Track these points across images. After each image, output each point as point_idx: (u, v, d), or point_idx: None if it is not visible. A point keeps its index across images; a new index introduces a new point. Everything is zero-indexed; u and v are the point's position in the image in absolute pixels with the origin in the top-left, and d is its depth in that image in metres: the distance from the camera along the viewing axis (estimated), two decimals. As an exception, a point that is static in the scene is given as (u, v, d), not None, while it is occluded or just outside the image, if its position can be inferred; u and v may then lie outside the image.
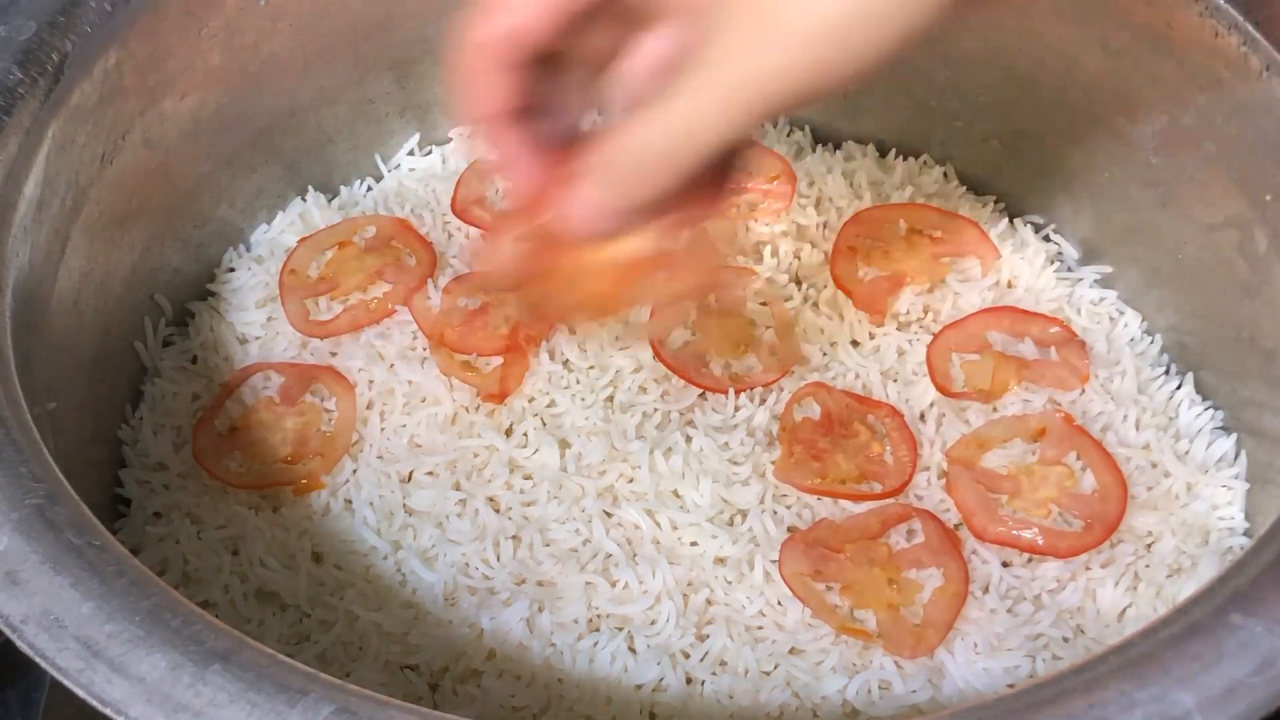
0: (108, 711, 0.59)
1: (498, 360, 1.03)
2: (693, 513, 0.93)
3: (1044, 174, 1.15)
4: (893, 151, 1.21)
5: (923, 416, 1.01)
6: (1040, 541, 0.92)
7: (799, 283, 1.10)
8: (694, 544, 0.92)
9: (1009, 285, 1.11)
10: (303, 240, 1.13)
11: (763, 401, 1.01)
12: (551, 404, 1.01)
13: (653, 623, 0.89)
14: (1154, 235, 1.06)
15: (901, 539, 0.93)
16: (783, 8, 0.54)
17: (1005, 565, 0.92)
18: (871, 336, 1.07)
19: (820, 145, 1.23)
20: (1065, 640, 0.88)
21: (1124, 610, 0.91)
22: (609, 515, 0.94)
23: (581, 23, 0.65)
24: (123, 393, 1.04)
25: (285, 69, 1.11)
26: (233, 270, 1.14)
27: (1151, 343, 1.08)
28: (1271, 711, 0.60)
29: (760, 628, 0.89)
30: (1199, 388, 1.04)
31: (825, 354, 1.06)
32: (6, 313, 0.80)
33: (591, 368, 1.03)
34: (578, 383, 1.02)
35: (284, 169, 1.17)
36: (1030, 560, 0.93)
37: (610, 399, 1.01)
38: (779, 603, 0.89)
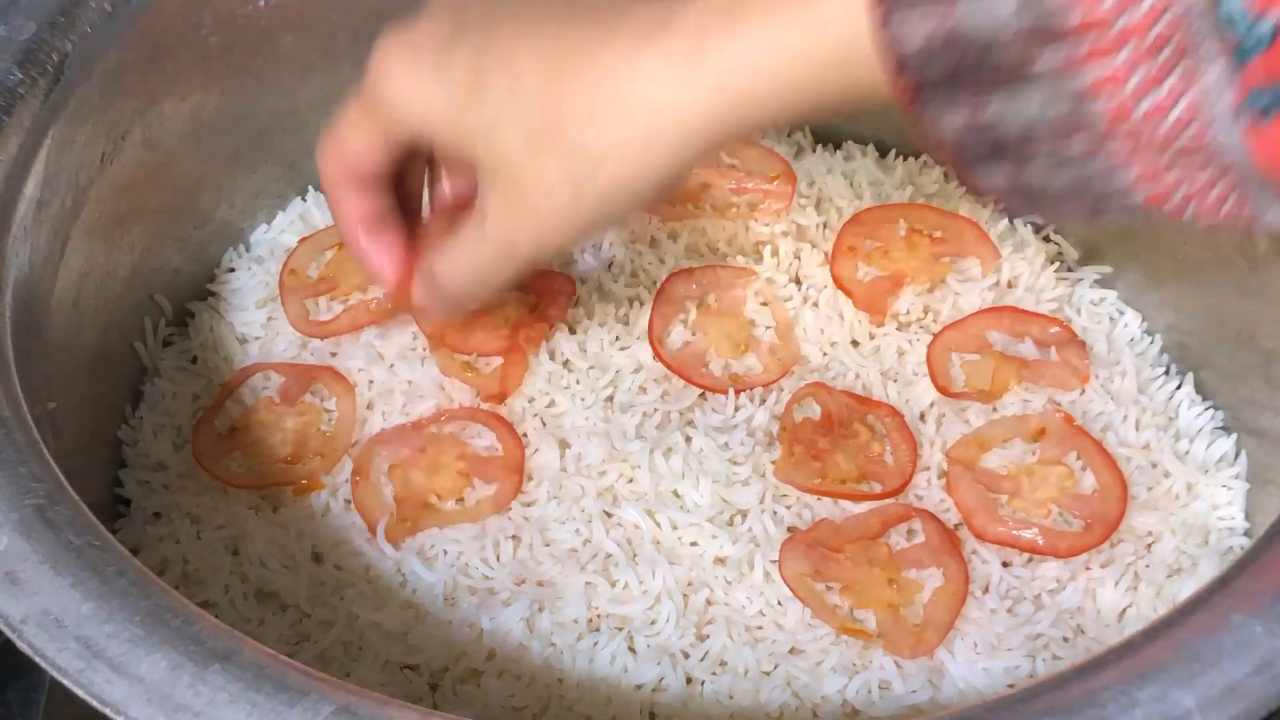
0: (108, 711, 0.59)
1: (498, 360, 1.03)
2: (693, 513, 0.93)
3: (1044, 174, 1.14)
4: (893, 151, 1.21)
5: (923, 416, 1.01)
6: (1040, 541, 0.92)
7: (799, 283, 1.10)
8: (694, 544, 0.92)
9: (1009, 285, 1.11)
10: (303, 240, 1.13)
11: (763, 401, 1.01)
12: (551, 404, 1.01)
13: (653, 623, 0.89)
14: (1154, 235, 1.06)
15: (901, 539, 0.93)
16: (536, 181, 0.69)
17: (1005, 565, 0.92)
18: (871, 336, 1.07)
19: (820, 145, 1.23)
20: (1065, 640, 0.88)
21: (1124, 610, 0.91)
22: (609, 515, 0.94)
23: (406, 156, 0.81)
24: (123, 393, 1.04)
25: (285, 69, 1.11)
26: (233, 270, 1.14)
27: (1151, 343, 1.08)
28: (1271, 711, 0.60)
29: (760, 628, 0.89)
30: (1199, 388, 1.04)
31: (825, 354, 1.06)
32: (6, 313, 0.80)
33: (591, 368, 1.03)
34: (578, 383, 1.02)
35: (284, 169, 1.17)
36: (1030, 560, 0.93)
37: (610, 399, 1.01)
38: (779, 603, 0.89)
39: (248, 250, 1.16)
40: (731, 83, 0.63)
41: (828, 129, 1.24)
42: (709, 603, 0.90)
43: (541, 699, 0.86)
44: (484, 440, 0.99)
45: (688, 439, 0.97)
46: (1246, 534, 0.95)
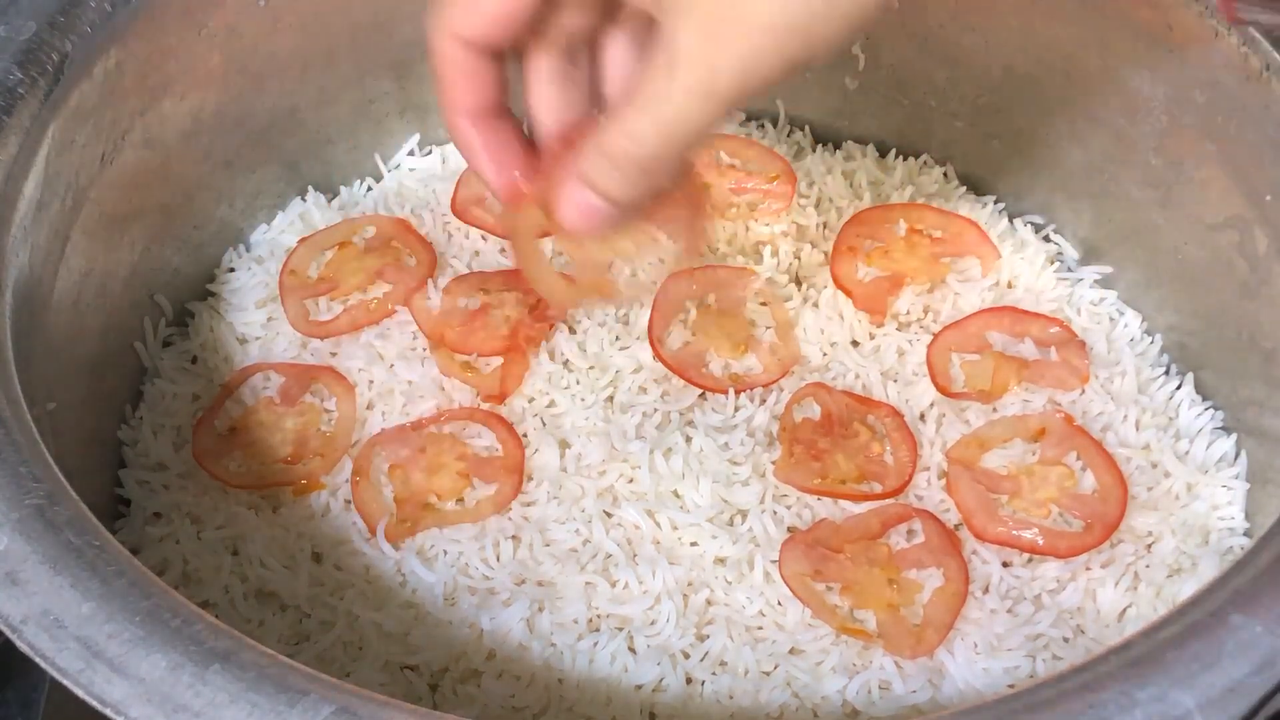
0: (108, 711, 0.59)
1: (498, 360, 1.03)
2: (693, 513, 0.93)
3: (1044, 174, 1.15)
4: (893, 151, 1.21)
5: (923, 416, 1.01)
6: (1040, 541, 0.92)
7: (799, 283, 1.10)
8: (694, 544, 0.92)
9: (1009, 285, 1.11)
10: (303, 240, 1.13)
11: (763, 401, 1.01)
12: (551, 404, 1.01)
13: (653, 623, 0.89)
14: (1154, 235, 1.06)
15: (901, 539, 0.93)
16: (735, 9, 0.57)
17: (1005, 565, 0.92)
18: (871, 336, 1.07)
19: (820, 145, 1.23)
20: (1065, 640, 0.88)
21: (1124, 610, 0.91)
22: (609, 515, 0.94)
23: (549, 10, 0.66)
24: (123, 393, 1.04)
25: (285, 69, 1.11)
26: (233, 270, 1.14)
27: (1151, 343, 1.08)
28: (1272, 712, 0.60)
29: (760, 628, 0.89)
30: (1199, 388, 1.04)
31: (825, 354, 1.06)
32: (6, 313, 0.80)
33: (591, 368, 1.03)
34: (578, 383, 1.02)
35: (284, 169, 1.17)
36: (1030, 560, 0.93)
37: (610, 399, 1.01)
38: (779, 603, 0.89)
39: (248, 250, 1.16)
40: None
41: (828, 129, 1.24)
42: (709, 603, 0.90)
43: (541, 699, 0.86)
44: (484, 440, 0.99)
45: (688, 439, 0.97)
46: (1246, 534, 0.95)
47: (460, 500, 0.96)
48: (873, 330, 1.07)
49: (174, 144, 1.03)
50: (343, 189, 1.21)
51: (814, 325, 1.07)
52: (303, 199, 1.19)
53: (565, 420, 1.00)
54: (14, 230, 0.83)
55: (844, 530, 0.93)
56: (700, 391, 1.02)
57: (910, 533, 0.93)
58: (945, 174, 1.20)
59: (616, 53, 0.70)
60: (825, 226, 1.14)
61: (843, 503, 0.95)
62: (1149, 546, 0.94)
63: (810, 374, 1.03)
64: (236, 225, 1.16)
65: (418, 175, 1.22)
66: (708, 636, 0.88)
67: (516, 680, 0.86)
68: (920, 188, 1.17)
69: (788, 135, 1.23)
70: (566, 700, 0.85)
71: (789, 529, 0.94)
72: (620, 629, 0.88)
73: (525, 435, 0.99)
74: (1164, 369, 1.06)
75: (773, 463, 0.96)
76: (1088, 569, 0.92)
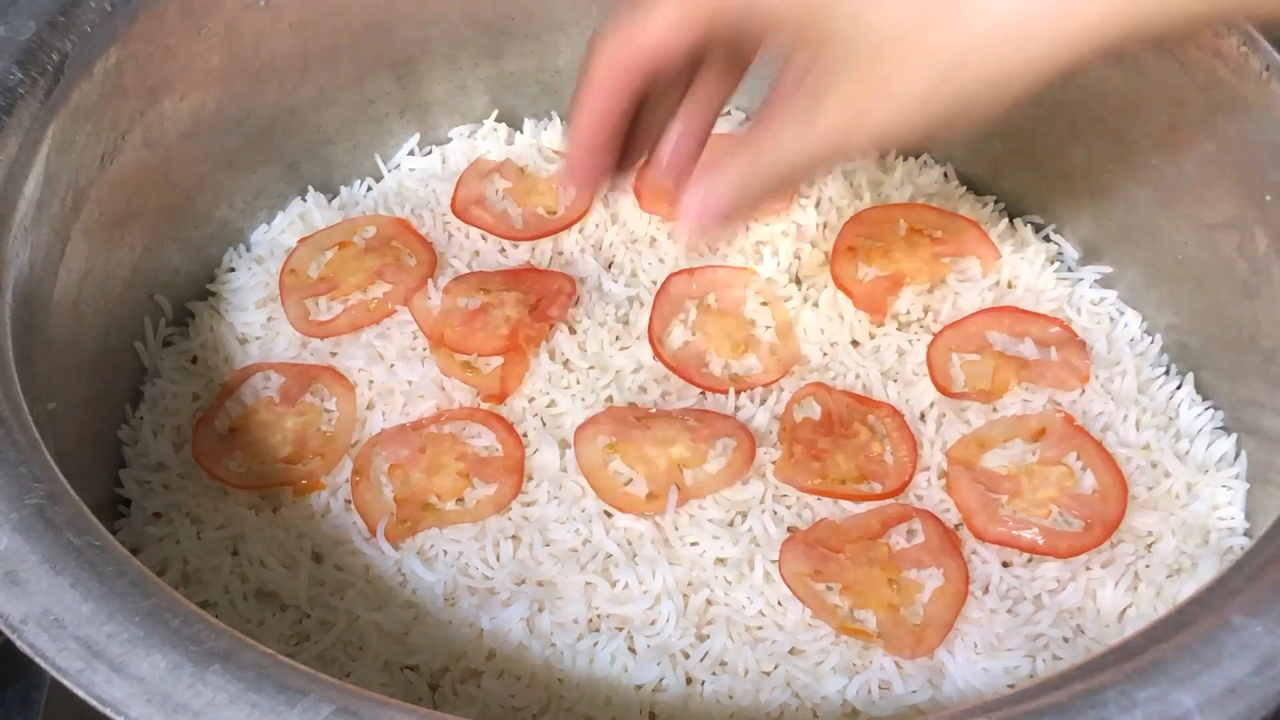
0: (108, 711, 0.59)
1: (498, 360, 1.03)
2: (693, 513, 0.93)
3: (1044, 174, 1.15)
4: (893, 151, 1.21)
5: (923, 416, 1.01)
6: (1040, 541, 0.92)
7: (799, 283, 1.10)
8: (694, 544, 0.92)
9: (1009, 285, 1.11)
10: (303, 240, 1.13)
11: (763, 401, 1.01)
12: (551, 404, 1.01)
13: (653, 623, 0.89)
14: (1154, 235, 1.06)
15: (901, 539, 0.93)
16: (899, 64, 0.59)
17: (1005, 565, 0.92)
18: (871, 336, 1.07)
19: (820, 145, 1.23)
20: (1065, 640, 0.88)
21: (1124, 610, 0.91)
22: (609, 515, 0.94)
23: (696, 57, 0.71)
24: (123, 393, 1.04)
25: (285, 69, 1.11)
26: (233, 270, 1.14)
27: (1151, 343, 1.08)
28: (1271, 711, 0.60)
29: (760, 628, 0.89)
30: (1199, 388, 1.04)
31: (825, 354, 1.06)
32: (6, 313, 0.80)
33: (591, 368, 1.03)
34: (578, 383, 1.02)
35: (284, 169, 1.17)
36: (1030, 560, 0.93)
37: (610, 399, 1.01)
38: (779, 603, 0.89)
39: (248, 250, 1.16)
40: None
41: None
42: (709, 603, 0.90)
43: (541, 699, 0.86)
44: (484, 440, 0.99)
45: (688, 439, 0.97)
46: (1246, 534, 0.95)
47: (460, 500, 0.96)
48: (873, 330, 1.07)
49: (174, 144, 1.03)
50: (343, 189, 1.21)
51: (814, 325, 1.07)
52: (303, 199, 1.19)
53: (565, 420, 1.00)
54: (14, 230, 0.83)
55: (844, 530, 0.93)
56: (700, 391, 1.02)
57: (910, 533, 0.93)
58: (945, 174, 1.20)
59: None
60: (825, 226, 1.14)
61: (843, 503, 0.95)
62: (1149, 546, 0.94)
63: (810, 374, 1.03)
64: (236, 225, 1.16)
65: (418, 175, 1.21)
66: (708, 636, 0.88)
67: (516, 680, 0.86)
68: (920, 188, 1.17)
69: (788, 135, 1.23)
70: (566, 700, 0.85)
71: (789, 529, 0.94)
72: (620, 629, 0.88)
73: (525, 435, 0.99)
74: (1164, 369, 1.06)
75: (773, 463, 0.96)
76: (1088, 569, 0.92)
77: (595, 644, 0.87)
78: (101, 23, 0.92)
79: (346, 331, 1.06)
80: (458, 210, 1.14)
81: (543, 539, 0.93)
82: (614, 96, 0.70)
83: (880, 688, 0.86)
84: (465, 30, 1.18)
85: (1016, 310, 1.07)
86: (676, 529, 0.93)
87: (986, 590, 0.91)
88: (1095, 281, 1.12)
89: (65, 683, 0.60)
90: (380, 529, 0.92)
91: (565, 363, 1.04)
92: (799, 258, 1.12)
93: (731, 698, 0.86)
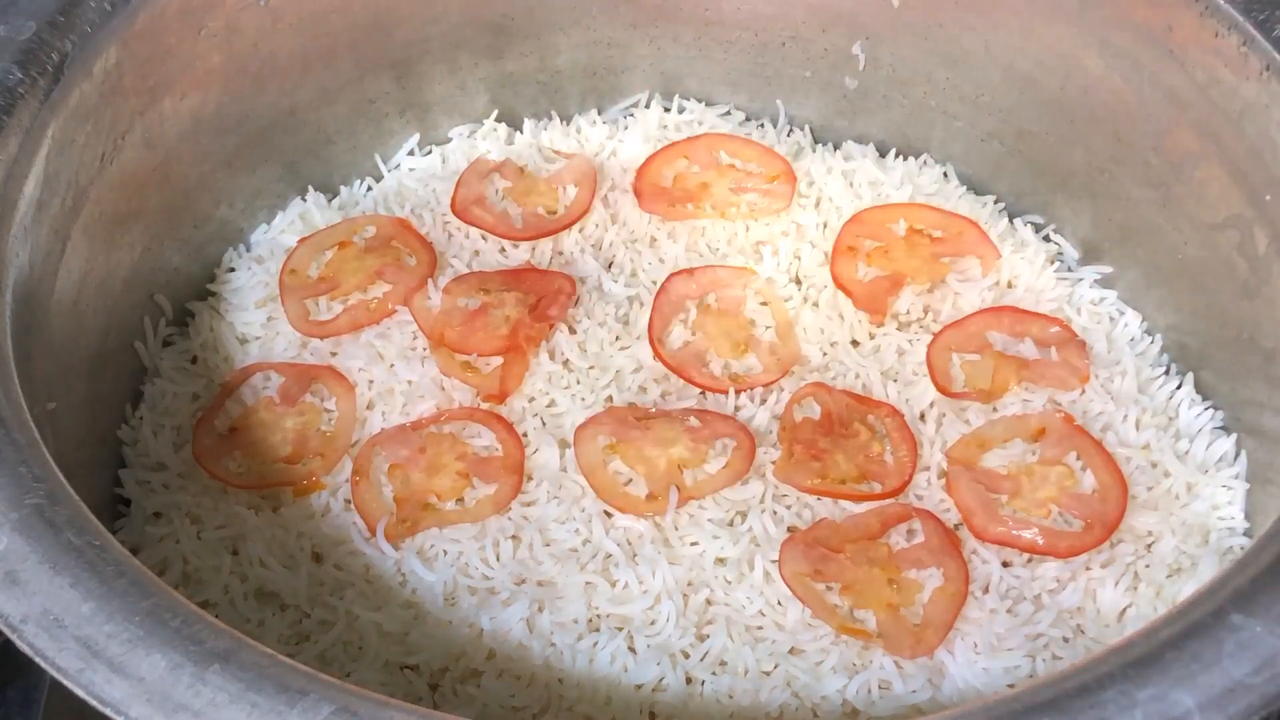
0: (108, 711, 0.59)
1: (498, 360, 1.03)
2: (693, 513, 0.93)
3: (1044, 174, 1.15)
4: (893, 151, 1.21)
5: (923, 416, 1.01)
6: (1040, 541, 0.92)
7: (799, 283, 1.10)
8: (694, 544, 0.92)
9: (1009, 285, 1.11)
10: (303, 240, 1.13)
11: (763, 401, 1.01)
12: (551, 404, 1.01)
13: (653, 623, 0.89)
14: (1154, 235, 1.06)
15: (901, 539, 0.93)
16: None
17: (1005, 565, 0.92)
18: (871, 336, 1.07)
19: (820, 145, 1.23)
20: (1065, 640, 0.88)
21: (1124, 610, 0.91)
22: (609, 515, 0.94)
23: None
24: (123, 393, 1.04)
25: (285, 69, 1.11)
26: (233, 270, 1.14)
27: (1151, 343, 1.08)
28: (1271, 711, 0.60)
29: (760, 628, 0.89)
30: (1199, 388, 1.04)
31: (825, 354, 1.06)
32: (6, 313, 0.80)
33: (591, 368, 1.03)
34: (578, 383, 1.02)
35: (284, 169, 1.17)
36: (1030, 560, 0.93)
37: (610, 399, 1.01)
38: (779, 603, 0.89)
39: (248, 250, 1.16)
40: None
41: (828, 129, 1.24)
42: (709, 603, 0.90)
43: (541, 699, 0.86)
44: (484, 440, 0.99)
45: (688, 439, 0.97)
46: (1246, 534, 0.95)
47: (460, 500, 0.96)
48: (873, 330, 1.07)
49: (174, 144, 1.03)
50: (343, 189, 1.21)
51: (814, 325, 1.07)
52: (303, 199, 1.19)
53: (565, 420, 1.00)
54: (14, 230, 0.83)
55: (844, 530, 0.93)
56: (700, 391, 1.02)
57: (910, 532, 0.93)
58: (945, 174, 1.20)
59: None
60: (825, 226, 1.14)
61: (843, 503, 0.95)
62: (1149, 546, 0.94)
63: (810, 374, 1.03)
64: (236, 225, 1.16)
65: (418, 175, 1.21)
66: (708, 636, 0.88)
67: (516, 680, 0.86)
68: (920, 188, 1.17)
69: (788, 135, 1.23)
70: (566, 700, 0.85)
71: (789, 529, 0.94)
72: (620, 629, 0.88)
73: (525, 435, 0.99)
74: (1164, 369, 1.06)
75: (773, 463, 0.96)
76: (1088, 569, 0.92)
77: (595, 644, 0.87)
78: (101, 23, 0.92)
79: (346, 331, 1.06)
80: (458, 210, 1.14)
81: (543, 539, 0.93)
82: None
83: (880, 687, 0.86)
84: (465, 30, 1.18)
85: (1016, 310, 1.07)
86: (676, 529, 0.93)
87: (986, 590, 0.91)
88: (1095, 281, 1.12)
89: (65, 683, 0.60)
90: (380, 529, 0.92)
91: (565, 363, 1.04)
92: (799, 258, 1.12)
93: (731, 697, 0.86)
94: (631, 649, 0.88)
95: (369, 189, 1.22)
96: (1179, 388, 1.04)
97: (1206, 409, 1.02)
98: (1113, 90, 1.03)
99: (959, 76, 1.14)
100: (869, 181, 1.17)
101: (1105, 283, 1.12)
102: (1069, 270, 1.14)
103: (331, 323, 1.07)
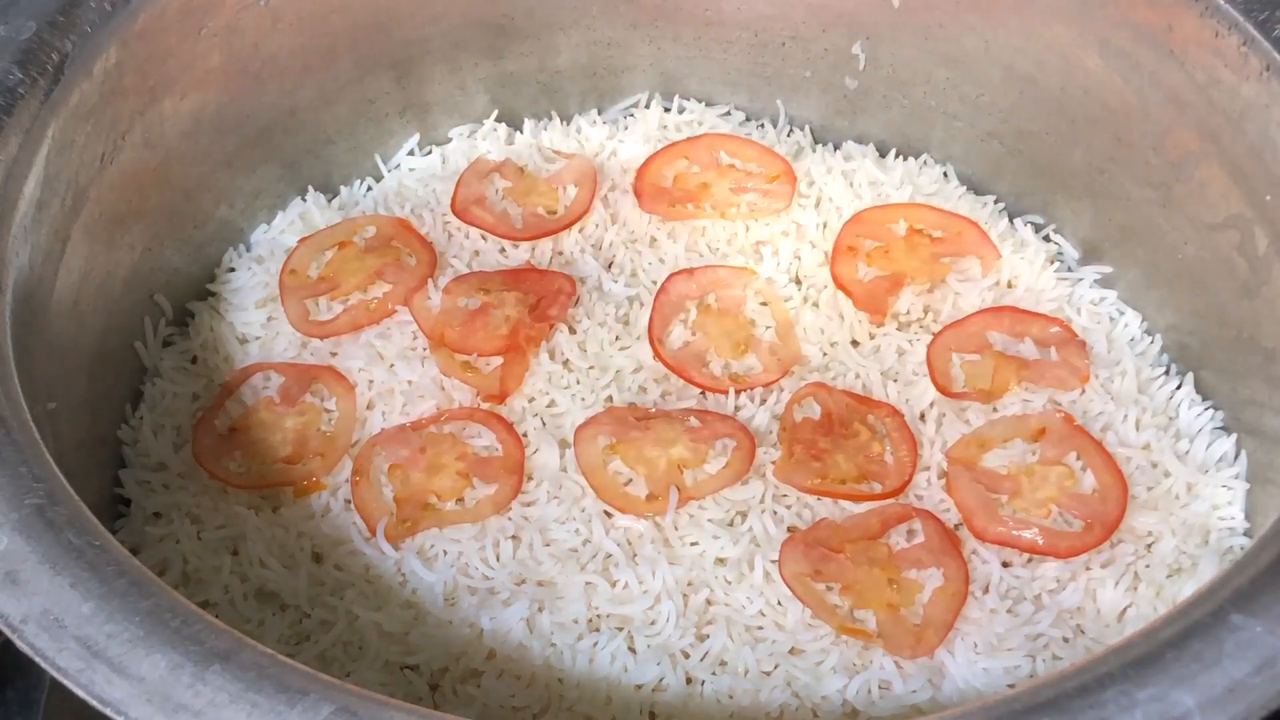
0: (108, 711, 0.59)
1: (498, 360, 1.03)
2: (693, 513, 0.93)
3: (1044, 174, 1.15)
4: (893, 151, 1.21)
5: (923, 416, 1.01)
6: (1040, 541, 0.92)
7: (799, 283, 1.10)
8: (694, 544, 0.92)
9: (1009, 285, 1.11)
10: (303, 240, 1.13)
11: (763, 401, 1.01)
12: (551, 404, 1.01)
13: (653, 623, 0.89)
14: (1154, 235, 1.06)
15: (901, 539, 0.93)
16: None
17: (1005, 565, 0.92)
18: (871, 336, 1.07)
19: (820, 145, 1.23)
20: (1065, 640, 0.88)
21: (1124, 610, 0.91)
22: (609, 515, 0.94)
23: None
24: (123, 393, 1.04)
25: (285, 69, 1.11)
26: (233, 270, 1.14)
27: (1151, 343, 1.08)
28: (1271, 711, 0.60)
29: (760, 628, 0.89)
30: (1199, 388, 1.04)
31: (825, 354, 1.06)
32: (6, 313, 0.80)
33: (591, 368, 1.03)
34: (578, 383, 1.02)
35: (284, 169, 1.17)
36: (1030, 560, 0.93)
37: (610, 399, 1.01)
38: (779, 603, 0.89)
39: (248, 250, 1.16)
40: None
41: (828, 129, 1.24)
42: (709, 603, 0.90)
43: (541, 699, 0.86)
44: (484, 440, 0.99)
45: (688, 439, 0.97)
46: (1246, 534, 0.95)
47: (460, 500, 0.96)
48: (873, 330, 1.07)
49: (174, 144, 1.03)
50: (343, 189, 1.21)
51: (814, 325, 1.07)
52: (303, 199, 1.19)
53: (565, 420, 1.00)
54: (14, 230, 0.83)
55: (844, 530, 0.93)
56: (700, 391, 1.02)
57: (910, 533, 0.93)
58: (945, 174, 1.20)
59: None
60: (825, 226, 1.14)
61: (843, 502, 0.95)
62: (1149, 546, 0.94)
63: (810, 374, 1.03)
64: (236, 225, 1.16)
65: (418, 175, 1.22)
66: (708, 636, 0.88)
67: (516, 680, 0.86)
68: (920, 188, 1.17)
69: (788, 135, 1.23)
70: (566, 700, 0.85)
71: (789, 529, 0.94)
72: (620, 629, 0.88)
73: (525, 435, 0.99)
74: (1164, 369, 1.06)
75: (773, 463, 0.96)
76: (1088, 569, 0.92)
77: (595, 644, 0.87)
78: (101, 23, 0.92)
79: (346, 331, 1.06)
80: (458, 210, 1.14)
81: (543, 539, 0.93)
82: None
83: (880, 688, 0.86)
84: (465, 30, 1.18)
85: (1016, 310, 1.07)
86: (676, 529, 0.93)
87: (986, 590, 0.91)
88: (1095, 281, 1.12)
89: (65, 683, 0.60)
90: (380, 529, 0.92)
91: (565, 363, 1.04)
92: (799, 258, 1.12)
93: (731, 697, 0.86)
94: (631, 649, 0.88)
95: (369, 189, 1.22)
96: (1179, 388, 1.04)
97: (1206, 409, 1.02)
98: (1113, 90, 1.03)
99: (959, 76, 1.14)
100: (869, 181, 1.17)
101: (1105, 283, 1.12)
102: (1069, 270, 1.14)
103: (331, 323, 1.07)
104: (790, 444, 0.98)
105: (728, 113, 1.25)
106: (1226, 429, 1.01)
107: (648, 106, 1.25)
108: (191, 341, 1.08)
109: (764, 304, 1.08)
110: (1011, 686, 0.86)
